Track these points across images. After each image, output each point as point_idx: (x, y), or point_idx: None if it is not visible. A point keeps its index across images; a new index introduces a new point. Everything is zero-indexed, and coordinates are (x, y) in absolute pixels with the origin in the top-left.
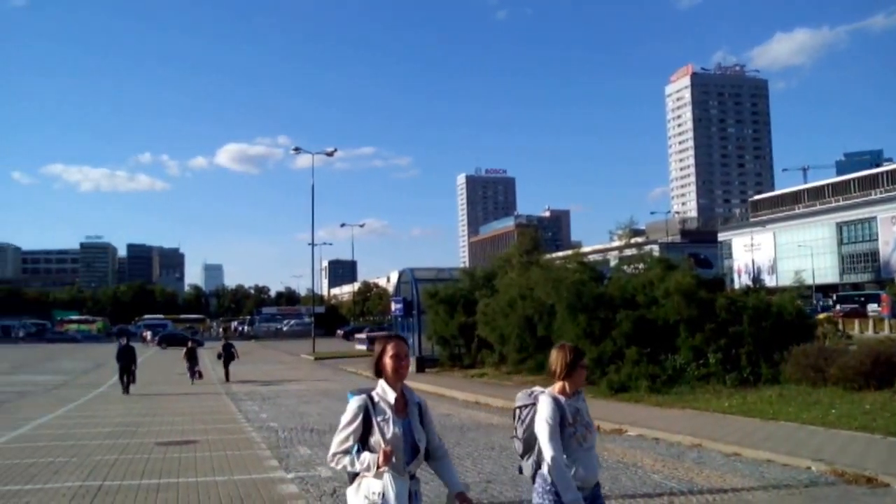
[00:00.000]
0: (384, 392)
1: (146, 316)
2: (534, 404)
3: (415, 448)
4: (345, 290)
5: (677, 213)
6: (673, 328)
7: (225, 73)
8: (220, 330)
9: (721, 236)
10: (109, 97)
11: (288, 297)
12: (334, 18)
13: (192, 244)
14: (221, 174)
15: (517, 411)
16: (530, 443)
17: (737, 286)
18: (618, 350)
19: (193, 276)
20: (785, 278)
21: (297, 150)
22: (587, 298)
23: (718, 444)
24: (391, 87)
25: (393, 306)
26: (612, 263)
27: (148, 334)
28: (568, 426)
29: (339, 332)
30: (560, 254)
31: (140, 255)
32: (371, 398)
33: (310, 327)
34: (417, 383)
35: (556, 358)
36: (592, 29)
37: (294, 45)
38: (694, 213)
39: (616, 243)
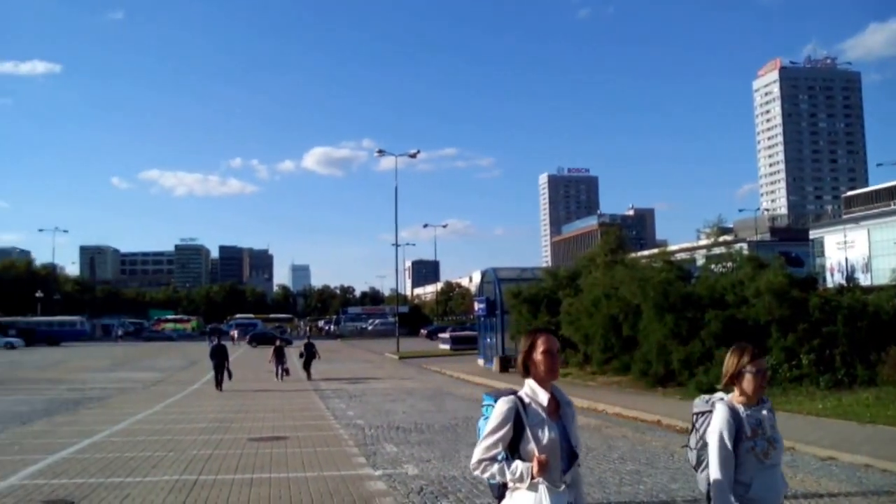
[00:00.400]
0: (534, 393)
1: (237, 315)
2: (710, 412)
3: (571, 455)
4: (428, 290)
5: (766, 210)
6: (764, 328)
7: (311, 80)
8: (307, 329)
9: (813, 234)
10: (203, 105)
11: (372, 297)
12: (416, 23)
13: (280, 245)
14: (308, 177)
15: (693, 418)
16: (703, 455)
17: (830, 285)
18: (706, 351)
19: (282, 276)
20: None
21: (380, 152)
22: (674, 298)
23: (812, 448)
24: (473, 89)
25: (476, 306)
26: (699, 262)
27: (235, 333)
28: (746, 439)
29: (423, 331)
30: (645, 253)
31: (231, 256)
32: (521, 400)
33: (394, 327)
34: (502, 383)
35: (727, 360)
36: (675, 25)
37: (378, 50)
38: (784, 211)
39: (703, 242)
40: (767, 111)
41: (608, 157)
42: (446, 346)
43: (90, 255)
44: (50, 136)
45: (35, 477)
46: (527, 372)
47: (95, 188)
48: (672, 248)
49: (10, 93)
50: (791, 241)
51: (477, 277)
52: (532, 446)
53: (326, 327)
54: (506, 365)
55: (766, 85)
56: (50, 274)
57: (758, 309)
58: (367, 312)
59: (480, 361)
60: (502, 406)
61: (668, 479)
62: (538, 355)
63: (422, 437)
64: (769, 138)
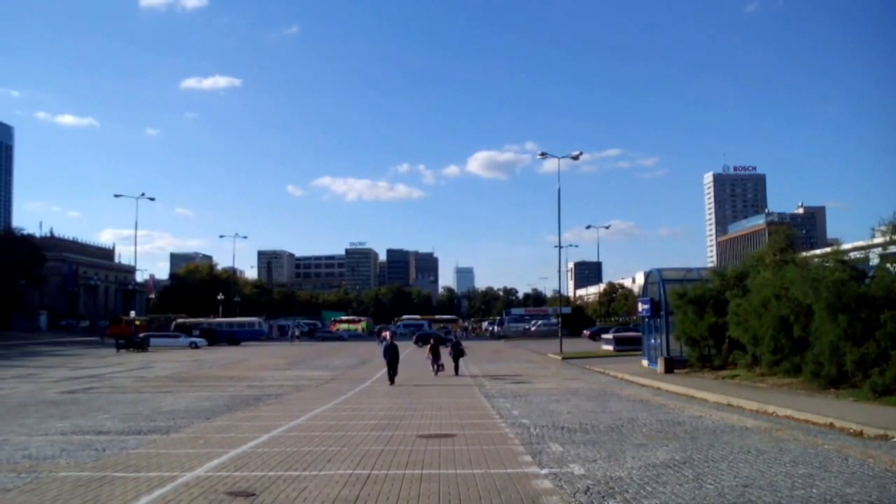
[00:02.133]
0: None
1: (404, 316)
2: None
3: None
4: (590, 291)
5: None
6: None
7: (473, 86)
8: (470, 329)
9: None
10: (371, 115)
11: (535, 298)
12: (575, 26)
13: (444, 248)
14: (472, 181)
15: None
16: None
17: None
18: (882, 352)
19: (446, 278)
20: None
21: (543, 155)
22: (848, 298)
23: None
24: (636, 89)
25: (640, 306)
26: (874, 262)
27: (387, 334)
28: None
29: (585, 332)
30: (816, 252)
31: (398, 259)
32: None
33: (556, 327)
34: (667, 384)
35: None
36: (848, 10)
37: (538, 54)
38: None
39: (878, 240)
40: None
41: (777, 154)
42: (609, 347)
43: (267, 260)
44: (230, 147)
45: (218, 469)
46: None
47: (272, 196)
48: (845, 246)
49: (195, 107)
50: None
51: (639, 278)
52: None
53: (490, 328)
54: (670, 366)
55: None
56: (230, 277)
57: None
58: (529, 313)
59: (644, 362)
60: None
61: (843, 484)
62: None
63: (587, 437)
64: None
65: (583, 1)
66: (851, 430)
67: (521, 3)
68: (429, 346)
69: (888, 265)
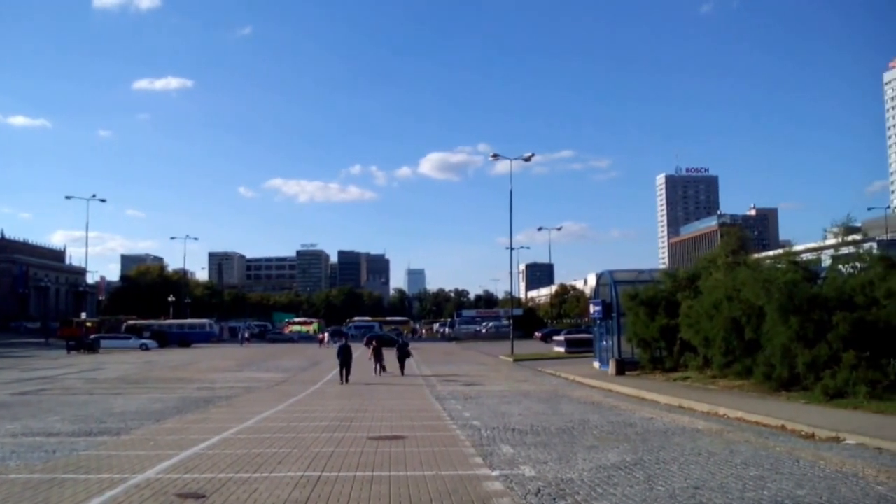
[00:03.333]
0: None
1: (356, 318)
2: None
3: None
4: (542, 293)
5: None
6: None
7: (427, 87)
8: (419, 331)
9: None
10: (324, 116)
11: (486, 300)
12: (530, 27)
13: (396, 250)
14: (425, 182)
15: None
16: None
17: None
18: (833, 354)
19: (398, 280)
20: None
21: (495, 156)
22: (800, 299)
23: None
24: (589, 90)
25: (591, 308)
26: (826, 263)
27: (325, 335)
28: None
29: (537, 334)
30: (769, 253)
31: (349, 261)
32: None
33: (508, 329)
34: (618, 386)
35: None
36: (800, 19)
37: (491, 55)
38: None
39: (830, 242)
40: None
41: (729, 155)
42: (561, 349)
43: (218, 261)
44: (182, 148)
45: (169, 471)
46: None
47: (223, 197)
48: (797, 248)
49: (147, 108)
50: None
51: (591, 280)
52: None
53: (441, 330)
54: (622, 368)
55: None
56: (181, 279)
57: (889, 311)
58: (481, 315)
59: (596, 364)
60: None
61: (794, 486)
62: None
63: (538, 438)
64: None
65: (534, 1)
66: (803, 433)
67: (475, 4)
68: (371, 347)
69: (840, 266)
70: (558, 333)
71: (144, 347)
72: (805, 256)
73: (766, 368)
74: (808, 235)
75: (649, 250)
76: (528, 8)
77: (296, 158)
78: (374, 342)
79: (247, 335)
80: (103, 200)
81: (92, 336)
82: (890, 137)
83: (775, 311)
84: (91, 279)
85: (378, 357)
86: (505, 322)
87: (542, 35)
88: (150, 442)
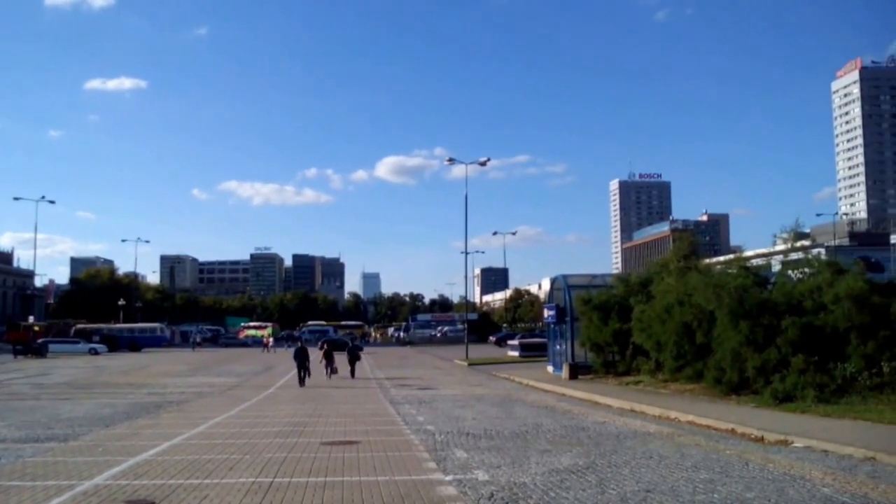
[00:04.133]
0: None
1: (310, 322)
2: None
3: None
4: (497, 298)
5: (845, 214)
6: (843, 336)
7: (383, 90)
8: (371, 335)
9: (894, 238)
10: (280, 118)
11: (441, 305)
12: (486, 33)
13: (351, 254)
14: (381, 186)
15: None
16: None
17: None
18: (782, 358)
19: (353, 284)
20: None
21: (451, 160)
22: (750, 304)
23: (895, 458)
24: (545, 96)
25: (545, 313)
26: (776, 268)
27: (270, 340)
28: None
29: (492, 338)
30: (720, 259)
31: (304, 264)
32: None
33: (462, 333)
34: (572, 390)
35: None
36: (751, 27)
37: (449, 59)
38: (863, 215)
39: (780, 247)
40: (846, 112)
41: (681, 161)
42: (515, 353)
43: (170, 265)
44: (134, 150)
45: (118, 478)
46: None
47: (176, 200)
48: (747, 253)
49: (99, 108)
50: (871, 245)
51: (546, 285)
52: None
53: (396, 334)
54: (575, 372)
55: (846, 86)
56: (132, 282)
57: (836, 315)
58: (436, 319)
59: (550, 368)
60: None
61: (743, 489)
62: None
63: (491, 443)
64: (848, 140)
65: (492, 7)
66: (752, 436)
67: (432, 9)
68: (322, 350)
69: (789, 272)
70: (513, 338)
71: (94, 352)
72: (755, 262)
73: (717, 372)
74: (759, 241)
75: (603, 255)
76: (486, 14)
77: (251, 161)
78: (324, 345)
79: (198, 339)
80: (52, 202)
81: (40, 340)
82: (838, 145)
83: (726, 315)
84: (39, 282)
85: (329, 360)
86: (460, 326)
87: (500, 41)
88: (98, 448)
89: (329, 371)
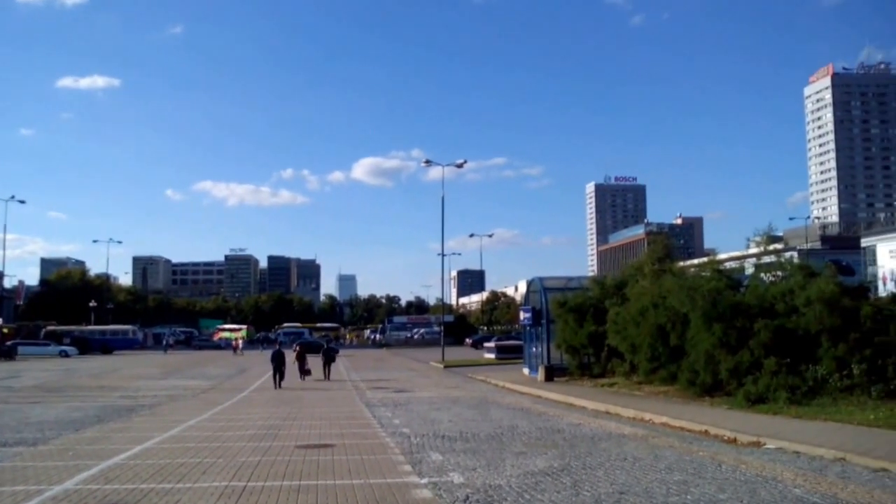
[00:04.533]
0: None
1: (285, 324)
2: None
3: None
4: (473, 300)
5: (817, 218)
6: (814, 338)
7: (361, 91)
8: (345, 338)
9: (864, 242)
10: (256, 118)
11: (418, 307)
12: (466, 34)
13: (328, 255)
14: (357, 188)
15: None
16: None
17: (882, 294)
18: (755, 360)
19: (329, 286)
20: None
21: (427, 162)
22: (723, 307)
23: (864, 459)
24: (524, 98)
25: (521, 315)
26: (749, 271)
27: (238, 343)
28: None
29: (468, 340)
30: (694, 261)
31: (279, 266)
32: None
33: (439, 336)
34: (547, 392)
35: None
36: (727, 32)
37: (428, 60)
38: (835, 219)
39: (753, 250)
40: (819, 118)
41: (656, 165)
42: (491, 356)
43: (142, 266)
44: (108, 149)
45: (88, 482)
46: None
47: (150, 200)
48: (721, 256)
49: (71, 107)
50: (842, 249)
51: (522, 287)
52: None
53: (372, 336)
54: (551, 374)
55: (818, 91)
56: (104, 284)
57: (808, 318)
58: (412, 322)
59: (525, 371)
60: None
61: (716, 490)
62: None
63: (467, 445)
64: (820, 145)
65: (470, 10)
66: (725, 438)
67: (410, 10)
68: (296, 352)
69: (762, 275)
70: (489, 340)
71: (64, 354)
72: (729, 265)
73: (691, 374)
74: (732, 244)
75: (579, 257)
76: (463, 16)
77: (226, 161)
78: (298, 348)
79: (171, 342)
80: (23, 202)
81: (9, 342)
82: (810, 150)
83: (699, 318)
84: (9, 283)
85: (301, 362)
86: (436, 328)
87: (478, 43)
88: (69, 452)
89: (302, 373)
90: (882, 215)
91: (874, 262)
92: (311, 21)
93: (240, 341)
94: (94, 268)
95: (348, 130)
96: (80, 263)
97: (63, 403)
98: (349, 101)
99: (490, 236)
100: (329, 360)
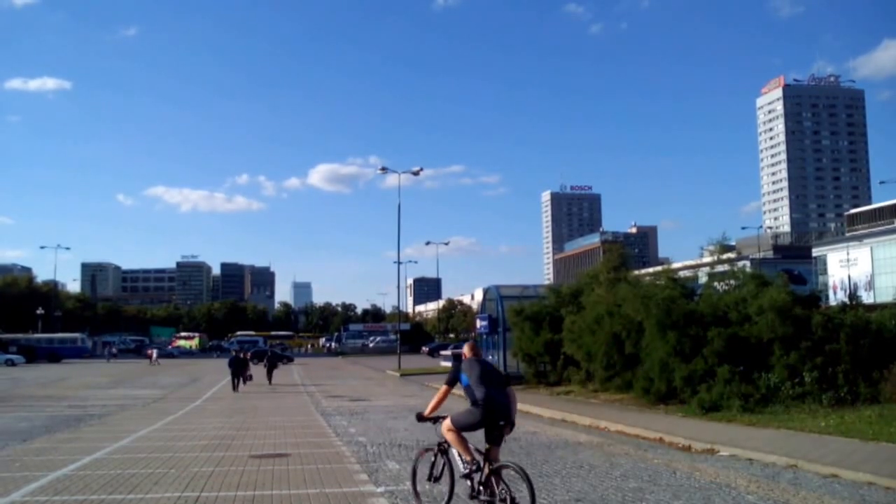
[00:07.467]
0: None
1: (239, 332)
2: None
3: None
4: (430, 308)
5: (769, 228)
6: (767, 346)
7: (318, 96)
8: (309, 346)
9: (815, 251)
10: (211, 122)
11: (374, 315)
12: (423, 41)
13: (283, 262)
14: (314, 194)
15: None
16: None
17: (832, 303)
18: (709, 368)
19: (283, 294)
20: (883, 295)
21: (384, 169)
22: (677, 315)
23: (815, 465)
24: (481, 106)
25: (478, 323)
26: (702, 280)
27: (153, 352)
28: None
29: (424, 348)
30: (648, 270)
31: (232, 273)
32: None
33: (395, 344)
34: None
35: None
36: (680, 43)
37: (385, 67)
38: (787, 228)
39: (706, 259)
40: (771, 129)
41: (611, 174)
42: (448, 364)
43: (91, 272)
44: (57, 152)
45: (36, 494)
46: None
47: (100, 205)
48: (675, 265)
49: (18, 110)
50: (794, 258)
51: (479, 295)
52: None
53: (328, 344)
54: None
55: (770, 102)
56: (51, 291)
57: (760, 326)
58: (368, 330)
59: None
60: None
61: (671, 497)
62: None
63: None
64: (772, 156)
65: (428, 18)
66: (680, 445)
67: (368, 16)
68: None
69: (715, 284)
70: (445, 348)
71: (10, 363)
72: (683, 273)
73: (646, 382)
74: (686, 253)
75: (535, 266)
76: (422, 24)
77: (179, 166)
78: (241, 354)
79: (114, 350)
80: None
81: None
82: (763, 160)
83: (654, 326)
84: None
85: (244, 369)
86: (392, 336)
87: (436, 51)
88: (15, 463)
89: (243, 379)
90: (833, 225)
91: (825, 271)
92: (266, 27)
93: (154, 351)
94: (42, 274)
95: (305, 136)
96: (27, 270)
97: (9, 413)
98: (306, 107)
99: (447, 244)
100: (272, 366)
